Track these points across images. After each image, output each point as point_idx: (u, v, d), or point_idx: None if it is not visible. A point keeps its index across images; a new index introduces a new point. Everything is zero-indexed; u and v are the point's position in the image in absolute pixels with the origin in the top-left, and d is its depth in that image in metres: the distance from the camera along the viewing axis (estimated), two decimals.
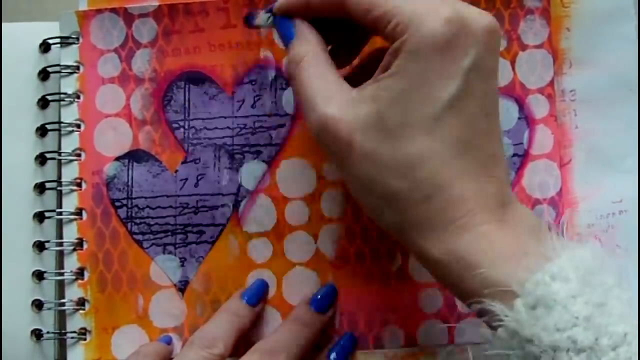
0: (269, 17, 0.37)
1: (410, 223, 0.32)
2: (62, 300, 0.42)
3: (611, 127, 0.43)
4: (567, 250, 0.30)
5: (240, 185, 0.43)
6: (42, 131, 0.43)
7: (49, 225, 0.43)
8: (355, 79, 0.35)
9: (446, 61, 0.32)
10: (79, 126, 0.43)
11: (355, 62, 0.40)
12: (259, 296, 0.42)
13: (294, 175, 0.43)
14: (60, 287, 0.42)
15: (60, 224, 0.43)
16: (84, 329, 0.42)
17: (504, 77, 0.43)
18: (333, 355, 0.41)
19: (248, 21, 0.42)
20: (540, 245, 0.31)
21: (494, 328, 0.30)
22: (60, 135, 0.43)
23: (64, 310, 0.42)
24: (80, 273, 0.42)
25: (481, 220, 0.31)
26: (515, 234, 0.32)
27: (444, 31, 0.31)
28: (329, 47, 0.37)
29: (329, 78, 0.34)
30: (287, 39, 0.36)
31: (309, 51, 0.35)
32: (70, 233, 0.42)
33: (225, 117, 0.43)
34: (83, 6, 0.43)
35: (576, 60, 0.43)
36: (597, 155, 0.43)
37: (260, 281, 0.42)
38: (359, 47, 0.39)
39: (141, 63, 0.43)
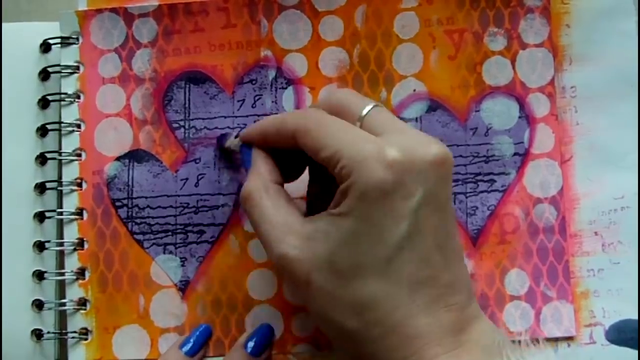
0: (238, 142, 0.39)
1: (365, 357, 0.33)
2: (63, 300, 0.42)
3: (612, 123, 0.43)
4: None
5: (240, 185, 0.43)
6: (42, 131, 0.43)
7: (50, 225, 0.43)
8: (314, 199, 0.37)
9: (393, 203, 0.32)
10: (79, 126, 0.43)
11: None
12: (198, 345, 0.41)
13: None
14: (61, 287, 0.42)
15: (60, 224, 0.43)
16: (85, 328, 0.42)
17: (505, 76, 0.43)
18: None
19: (220, 141, 0.42)
20: None
21: None
22: (60, 135, 0.43)
23: (64, 310, 0.42)
24: (81, 273, 0.42)
25: (434, 354, 0.32)
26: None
27: (388, 176, 0.32)
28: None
29: (280, 211, 0.35)
30: (247, 167, 0.38)
31: (258, 186, 0.36)
32: (71, 233, 0.42)
33: (225, 117, 0.43)
34: (83, 6, 0.44)
35: (576, 56, 0.43)
36: (598, 151, 0.43)
37: (202, 328, 0.42)
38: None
39: (141, 63, 0.43)
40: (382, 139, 0.33)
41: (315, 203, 0.38)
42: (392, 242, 0.32)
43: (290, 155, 0.37)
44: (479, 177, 0.43)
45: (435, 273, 0.33)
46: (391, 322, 0.32)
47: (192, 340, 0.41)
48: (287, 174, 0.38)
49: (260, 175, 0.37)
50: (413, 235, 0.32)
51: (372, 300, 0.32)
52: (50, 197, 0.43)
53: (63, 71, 0.43)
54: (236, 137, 0.40)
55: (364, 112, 0.35)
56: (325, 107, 0.36)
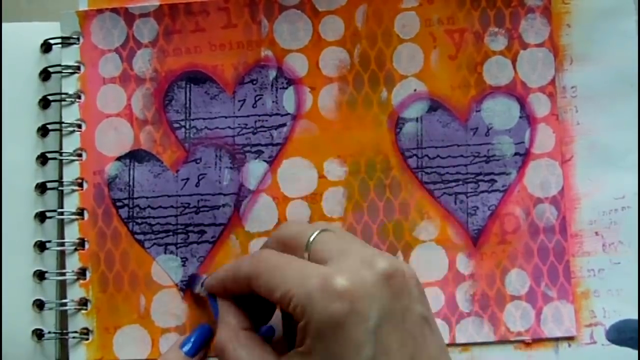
0: (205, 291, 0.40)
1: None
2: (64, 300, 0.42)
3: (612, 123, 0.43)
4: None
5: (241, 185, 0.43)
6: (43, 131, 0.43)
7: (50, 225, 0.43)
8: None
9: (350, 332, 0.32)
10: (80, 126, 0.43)
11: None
12: (198, 345, 0.41)
13: (295, 174, 0.43)
14: (62, 287, 0.42)
15: (61, 224, 0.43)
16: (86, 328, 0.42)
17: (505, 76, 0.43)
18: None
19: (190, 284, 0.42)
20: None
21: None
22: (61, 136, 0.43)
23: (65, 310, 0.42)
24: (81, 273, 0.42)
25: None
26: None
27: (339, 308, 0.31)
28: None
29: (255, 358, 0.35)
30: (215, 316, 0.38)
31: (229, 337, 0.36)
32: (72, 233, 0.42)
33: (226, 117, 0.43)
34: (84, 6, 0.44)
35: (577, 56, 0.43)
36: (598, 151, 0.43)
37: (203, 328, 0.41)
38: None
39: (142, 63, 0.43)
40: (327, 269, 0.33)
41: (287, 339, 0.38)
42: None
43: (257, 296, 0.37)
44: (480, 177, 0.43)
45: None
46: None
47: (192, 340, 0.41)
48: (260, 316, 0.38)
49: (228, 325, 0.37)
50: (378, 357, 0.32)
51: None
52: (51, 197, 0.43)
53: (64, 71, 0.43)
54: (202, 284, 0.40)
55: (310, 240, 0.35)
56: (276, 245, 0.37)
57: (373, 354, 0.32)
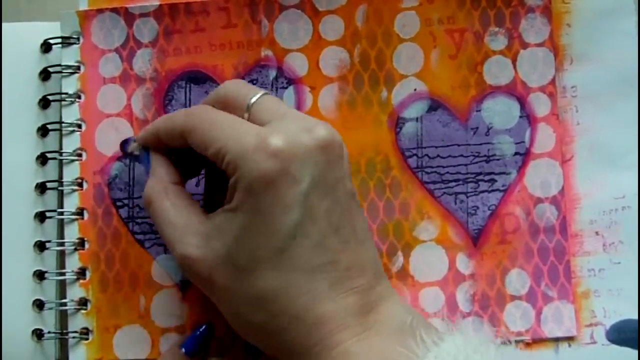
0: (138, 146, 0.40)
1: (274, 349, 0.33)
2: (64, 300, 0.42)
3: (612, 123, 0.43)
4: (434, 349, 0.31)
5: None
6: (43, 131, 0.43)
7: (50, 225, 0.43)
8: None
9: (280, 192, 0.32)
10: (80, 126, 0.43)
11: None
12: (199, 345, 0.41)
13: None
14: (62, 287, 0.42)
15: (61, 224, 0.43)
16: (86, 328, 0.42)
17: (505, 75, 0.43)
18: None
19: (123, 147, 0.42)
20: (406, 348, 0.31)
21: None
22: (61, 135, 0.43)
23: (65, 310, 0.42)
24: (81, 273, 0.42)
25: (339, 340, 0.32)
26: (380, 342, 0.32)
27: (271, 166, 0.32)
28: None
29: (181, 212, 0.35)
30: (148, 170, 0.38)
31: (158, 189, 0.37)
32: (72, 233, 0.42)
33: None
34: (84, 6, 0.44)
35: (577, 56, 0.43)
36: (599, 151, 0.43)
37: (203, 328, 0.41)
38: None
39: (142, 63, 0.43)
40: (265, 129, 0.33)
41: (214, 198, 0.38)
42: (283, 232, 0.32)
43: (189, 152, 0.37)
44: (480, 177, 0.43)
45: (332, 257, 0.33)
46: (294, 312, 0.32)
47: (192, 340, 0.41)
48: (188, 171, 0.39)
49: (158, 178, 0.37)
50: (304, 222, 0.32)
51: (272, 292, 0.32)
52: (51, 197, 0.43)
53: (64, 71, 0.43)
54: (135, 140, 0.40)
55: (251, 101, 0.35)
56: (214, 102, 0.37)
57: (300, 217, 0.32)
